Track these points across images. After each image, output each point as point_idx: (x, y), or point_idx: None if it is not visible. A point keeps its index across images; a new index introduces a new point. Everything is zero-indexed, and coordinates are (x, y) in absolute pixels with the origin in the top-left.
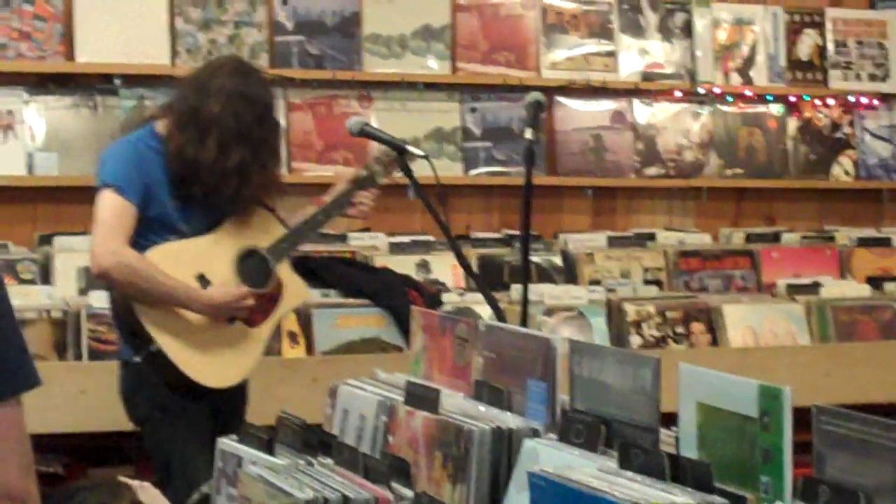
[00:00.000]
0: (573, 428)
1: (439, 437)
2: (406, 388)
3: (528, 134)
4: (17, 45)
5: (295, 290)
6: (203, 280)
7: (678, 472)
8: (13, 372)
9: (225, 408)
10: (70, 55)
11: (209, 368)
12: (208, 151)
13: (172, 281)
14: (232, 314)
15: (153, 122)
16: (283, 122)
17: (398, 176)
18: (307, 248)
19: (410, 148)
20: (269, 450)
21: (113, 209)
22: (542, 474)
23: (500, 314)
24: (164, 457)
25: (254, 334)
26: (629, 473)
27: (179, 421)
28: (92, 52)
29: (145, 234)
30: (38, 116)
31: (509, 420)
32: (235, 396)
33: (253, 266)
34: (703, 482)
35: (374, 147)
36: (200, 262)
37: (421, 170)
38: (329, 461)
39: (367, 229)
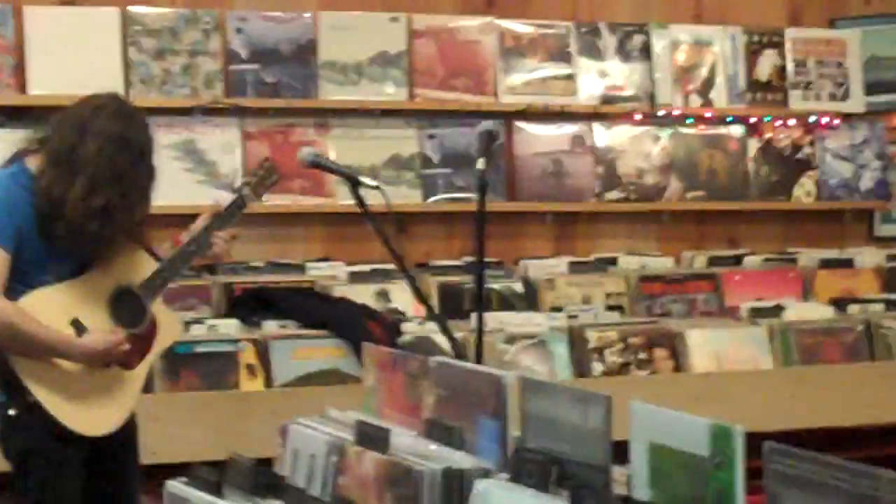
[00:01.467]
0: (525, 467)
1: (390, 478)
2: (356, 428)
3: (480, 164)
4: None
5: (170, 326)
6: (78, 325)
7: None
8: None
9: (105, 452)
10: (22, 88)
11: (87, 416)
12: (76, 191)
13: (48, 332)
14: (110, 360)
15: (25, 157)
16: (238, 151)
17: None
18: (265, 279)
19: (364, 179)
20: (218, 492)
21: None
22: None
23: (456, 347)
24: (34, 501)
25: (130, 376)
26: None
27: (53, 466)
28: (44, 84)
29: (17, 277)
30: None
31: (460, 460)
32: (117, 439)
33: (126, 304)
34: None
35: (252, 168)
36: (73, 306)
37: (379, 198)
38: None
39: (326, 259)
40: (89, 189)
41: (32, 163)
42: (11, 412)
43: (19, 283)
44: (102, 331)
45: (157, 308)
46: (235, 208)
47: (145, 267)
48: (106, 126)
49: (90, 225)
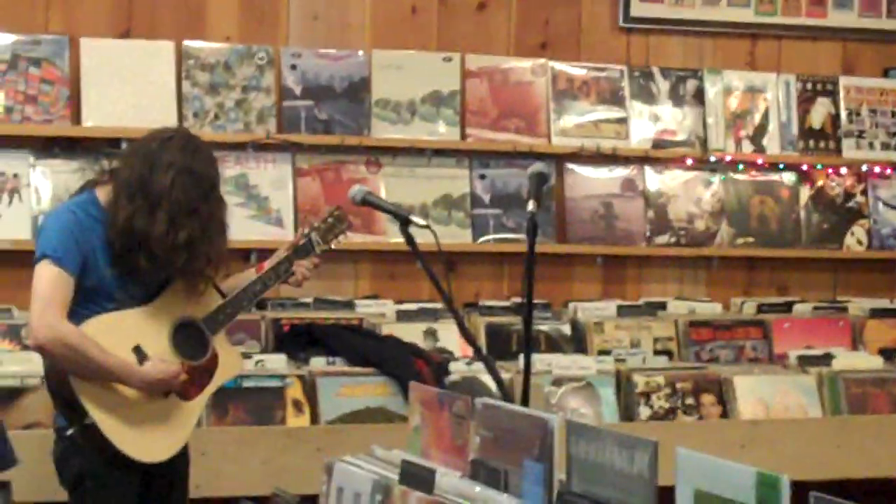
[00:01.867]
0: None
1: None
2: (401, 467)
3: (531, 206)
4: (23, 108)
5: (230, 362)
6: (139, 352)
7: None
8: None
9: (158, 480)
10: (76, 119)
11: (142, 443)
12: (159, 225)
13: (109, 357)
14: (167, 389)
15: (94, 188)
16: (290, 187)
17: (343, 241)
18: (313, 314)
19: (413, 218)
20: None
21: (50, 281)
22: None
23: (502, 387)
24: None
25: (187, 408)
26: None
27: (108, 491)
28: (98, 116)
29: (82, 302)
30: (43, 180)
31: (504, 502)
32: (169, 469)
33: (189, 337)
34: None
35: (323, 214)
36: (136, 333)
37: (429, 237)
38: None
39: (374, 296)
40: (170, 223)
41: (102, 194)
42: (70, 433)
43: (84, 308)
44: (162, 360)
45: (220, 342)
46: (304, 253)
47: (210, 301)
48: (175, 158)
49: (177, 259)
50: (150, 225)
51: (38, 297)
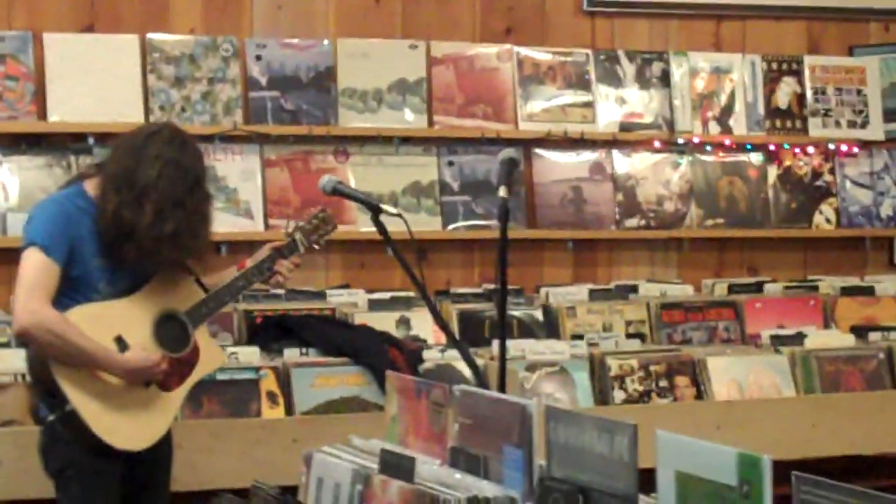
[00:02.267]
0: (550, 497)
1: None
2: (381, 457)
3: (502, 192)
4: None
5: (211, 354)
6: (121, 342)
7: None
8: None
9: (139, 470)
10: (42, 114)
11: (121, 431)
12: (146, 216)
13: (91, 343)
14: (147, 378)
15: (82, 181)
16: (259, 178)
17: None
18: (285, 305)
19: (385, 206)
20: None
21: (36, 268)
22: None
23: (478, 374)
24: None
25: (168, 398)
26: None
27: (90, 480)
28: (64, 112)
29: (66, 292)
30: (11, 176)
31: (485, 488)
32: (151, 459)
33: (171, 329)
34: None
35: (309, 214)
36: (119, 324)
37: (399, 225)
38: None
39: (346, 286)
40: (157, 215)
41: (90, 186)
42: (50, 418)
43: (69, 298)
44: (143, 348)
45: (201, 336)
46: (287, 252)
47: (193, 295)
48: (161, 151)
49: (163, 251)
50: (138, 216)
51: (24, 283)
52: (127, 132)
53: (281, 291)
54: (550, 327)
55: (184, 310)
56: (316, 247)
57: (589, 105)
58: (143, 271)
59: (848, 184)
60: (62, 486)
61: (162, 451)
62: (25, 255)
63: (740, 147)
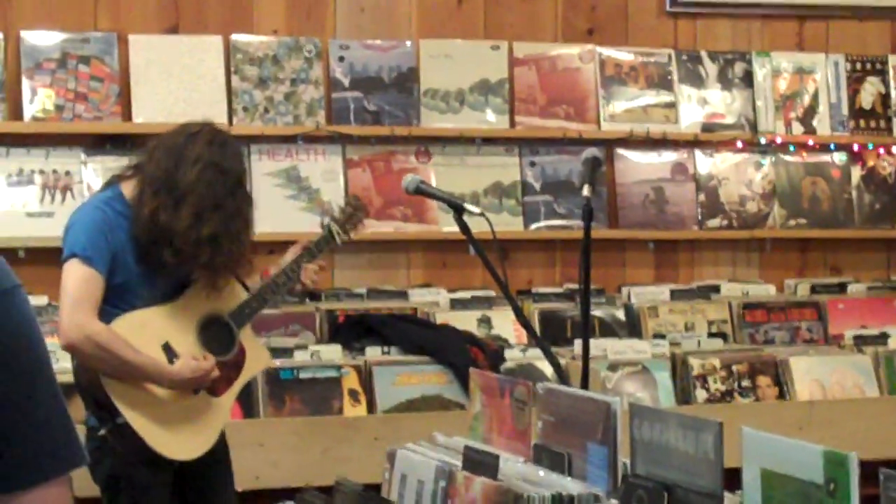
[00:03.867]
0: (635, 494)
1: None
2: (464, 454)
3: (586, 191)
4: (74, 106)
5: (257, 355)
6: (168, 350)
7: None
8: (58, 450)
9: (191, 479)
10: (127, 115)
11: (175, 441)
12: (183, 220)
13: (140, 356)
14: (198, 387)
15: (119, 183)
16: (341, 178)
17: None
18: (367, 304)
19: (467, 206)
20: None
21: (80, 280)
22: None
23: (560, 372)
24: None
25: (217, 403)
26: None
27: (140, 492)
28: (148, 112)
29: (109, 299)
30: (95, 177)
31: (569, 486)
32: (205, 464)
33: (216, 332)
34: None
35: (334, 206)
36: (165, 331)
37: (481, 225)
38: None
39: (427, 285)
40: (195, 218)
41: (127, 189)
42: (102, 432)
43: (112, 306)
44: (193, 357)
45: (246, 337)
46: (324, 244)
47: (235, 296)
48: (202, 153)
49: (201, 255)
50: (175, 220)
51: (68, 296)
52: (166, 132)
53: (363, 290)
54: (632, 327)
55: (227, 311)
56: (351, 236)
57: (671, 105)
58: (184, 274)
59: None
60: (111, 497)
61: (216, 455)
62: (68, 266)
63: (824, 147)
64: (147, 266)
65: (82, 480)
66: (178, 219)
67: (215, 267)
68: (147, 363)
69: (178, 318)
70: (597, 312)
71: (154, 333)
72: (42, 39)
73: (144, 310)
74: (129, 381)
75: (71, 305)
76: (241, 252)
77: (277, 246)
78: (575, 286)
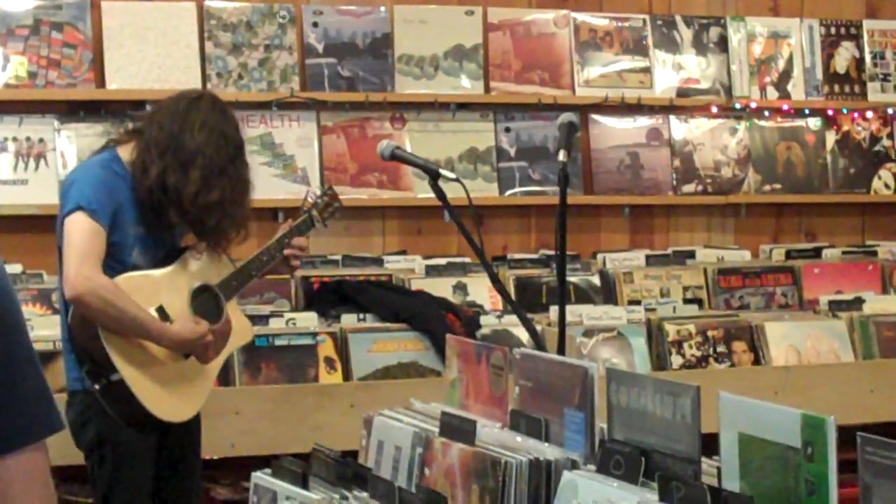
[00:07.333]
0: (612, 459)
1: (476, 470)
2: (441, 420)
3: (562, 156)
4: (47, 73)
5: (242, 327)
6: (162, 313)
7: None
8: (36, 415)
9: (171, 443)
10: (100, 82)
11: (167, 402)
12: (192, 183)
13: (144, 313)
14: (193, 350)
15: (116, 146)
16: (315, 145)
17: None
18: (342, 272)
19: (443, 171)
20: (304, 484)
21: (86, 233)
22: None
23: (536, 338)
24: (106, 489)
25: (205, 370)
26: None
27: (126, 455)
28: (122, 79)
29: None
30: (69, 144)
31: (547, 451)
32: (183, 432)
33: (205, 301)
34: None
35: (311, 191)
36: (160, 294)
37: (456, 191)
38: (364, 495)
39: (403, 252)
40: (203, 182)
41: (124, 153)
42: (95, 386)
43: (104, 264)
44: (190, 320)
45: (232, 309)
46: (305, 228)
47: (223, 268)
48: (207, 118)
49: (209, 219)
50: (183, 183)
51: (74, 248)
52: (165, 99)
53: (338, 257)
54: (607, 293)
55: (216, 282)
56: (326, 224)
57: (646, 71)
58: (173, 241)
59: None
60: (96, 460)
61: (192, 423)
62: (73, 219)
63: (798, 112)
64: (142, 229)
65: (64, 448)
66: (188, 181)
67: (218, 232)
68: (149, 320)
69: (172, 284)
70: (572, 278)
71: (151, 295)
72: (14, 5)
73: (143, 272)
74: (127, 339)
75: (78, 258)
76: (244, 217)
77: (253, 212)
78: (550, 252)
